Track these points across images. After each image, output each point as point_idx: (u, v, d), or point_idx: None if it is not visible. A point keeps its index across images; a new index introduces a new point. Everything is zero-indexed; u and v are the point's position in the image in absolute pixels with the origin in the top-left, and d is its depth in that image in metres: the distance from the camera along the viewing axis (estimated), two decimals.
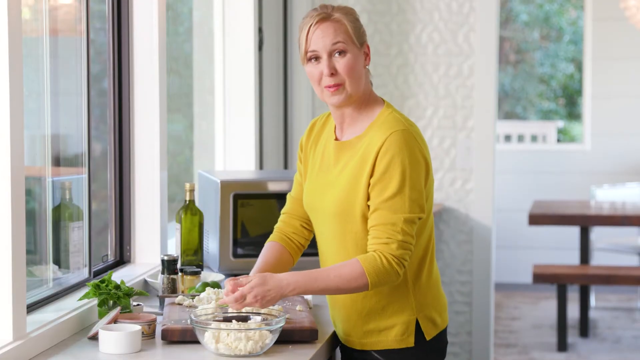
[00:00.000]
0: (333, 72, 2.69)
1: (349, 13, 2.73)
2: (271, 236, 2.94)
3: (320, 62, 2.70)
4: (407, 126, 2.69)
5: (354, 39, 2.70)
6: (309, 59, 2.72)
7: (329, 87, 2.70)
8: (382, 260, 2.62)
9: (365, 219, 2.69)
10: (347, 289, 2.64)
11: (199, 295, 3.00)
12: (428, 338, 2.76)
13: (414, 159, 2.65)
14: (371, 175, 2.67)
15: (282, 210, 2.98)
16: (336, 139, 2.80)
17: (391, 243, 2.62)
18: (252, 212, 3.59)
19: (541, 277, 6.64)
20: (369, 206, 2.68)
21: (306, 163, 2.89)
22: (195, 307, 2.92)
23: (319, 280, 2.64)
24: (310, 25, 2.70)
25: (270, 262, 2.84)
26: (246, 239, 3.59)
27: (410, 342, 2.74)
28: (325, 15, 2.70)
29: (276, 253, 2.88)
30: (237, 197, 3.57)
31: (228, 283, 2.68)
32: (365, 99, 2.77)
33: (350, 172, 2.71)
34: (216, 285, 3.17)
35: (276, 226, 2.96)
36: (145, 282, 3.42)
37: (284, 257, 2.89)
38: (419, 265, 2.76)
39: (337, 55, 2.69)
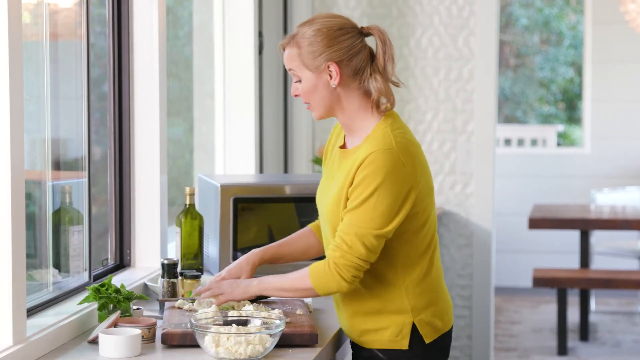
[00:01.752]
0: (296, 94, 2.83)
1: (312, 35, 2.75)
2: (310, 224, 3.11)
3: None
4: (393, 145, 2.69)
5: (307, 64, 2.76)
6: None
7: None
8: (325, 266, 2.75)
9: None
10: (296, 290, 2.80)
11: (198, 298, 3.00)
12: (428, 341, 2.79)
13: (390, 179, 2.67)
14: (350, 187, 2.74)
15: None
16: (342, 146, 2.88)
17: (336, 251, 2.73)
18: (252, 216, 3.59)
19: (541, 281, 6.64)
20: None
21: (326, 166, 2.99)
22: (196, 310, 2.92)
23: (278, 282, 2.83)
24: (280, 47, 2.84)
25: (292, 247, 3.03)
26: (246, 243, 3.59)
27: (404, 344, 2.78)
28: (289, 38, 2.80)
29: (298, 237, 3.06)
30: (237, 201, 3.57)
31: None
32: (356, 111, 2.79)
33: (340, 181, 2.79)
34: None
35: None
36: (145, 286, 3.41)
37: (310, 239, 3.05)
38: (415, 269, 2.78)
39: (295, 81, 2.82)
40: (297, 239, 3.05)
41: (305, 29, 2.76)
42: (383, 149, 2.68)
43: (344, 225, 2.72)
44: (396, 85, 2.81)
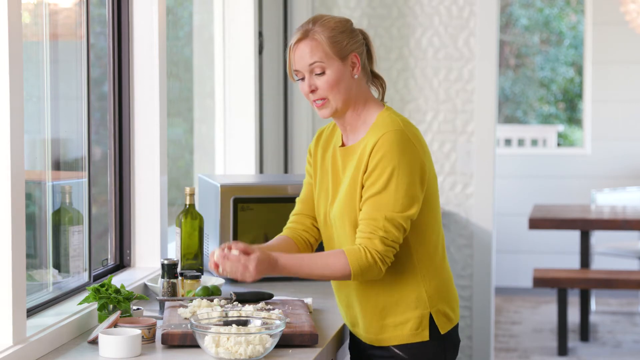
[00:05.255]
0: (314, 90, 2.79)
1: (330, 27, 2.78)
2: (282, 232, 3.00)
3: (305, 80, 2.80)
4: (402, 127, 2.77)
5: (333, 54, 2.77)
6: (297, 77, 2.83)
7: (314, 102, 2.81)
8: (366, 255, 2.71)
9: None
10: (330, 275, 2.75)
11: (197, 298, 3.00)
12: (443, 332, 2.84)
13: (405, 159, 2.73)
14: (365, 172, 2.76)
15: (292, 213, 3.03)
16: (342, 145, 2.89)
17: (374, 238, 2.72)
18: (252, 216, 3.59)
19: (541, 281, 6.64)
20: None
21: (315, 167, 2.96)
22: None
23: (306, 262, 2.75)
24: (291, 45, 2.80)
25: (270, 246, 2.90)
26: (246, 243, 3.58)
27: (425, 336, 2.82)
28: (303, 34, 2.78)
29: (280, 241, 2.95)
30: (237, 201, 3.57)
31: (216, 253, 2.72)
32: (362, 105, 2.85)
33: (351, 174, 2.80)
34: (216, 289, 3.17)
35: (285, 227, 3.02)
36: (145, 286, 3.41)
37: (289, 245, 2.95)
38: (430, 260, 2.83)
39: (317, 74, 2.78)
40: (283, 245, 2.94)
41: (320, 24, 2.78)
42: (393, 129, 2.74)
43: (370, 211, 2.72)
44: (382, 78, 2.91)
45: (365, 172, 2.75)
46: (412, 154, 2.74)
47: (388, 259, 2.73)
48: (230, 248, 2.72)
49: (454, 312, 2.89)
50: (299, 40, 2.78)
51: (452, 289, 2.91)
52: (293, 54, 2.79)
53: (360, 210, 2.76)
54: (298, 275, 2.75)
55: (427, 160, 2.78)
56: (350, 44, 2.79)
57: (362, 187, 2.76)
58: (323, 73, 2.77)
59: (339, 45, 2.77)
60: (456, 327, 2.90)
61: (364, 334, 2.90)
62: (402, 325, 2.83)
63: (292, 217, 3.02)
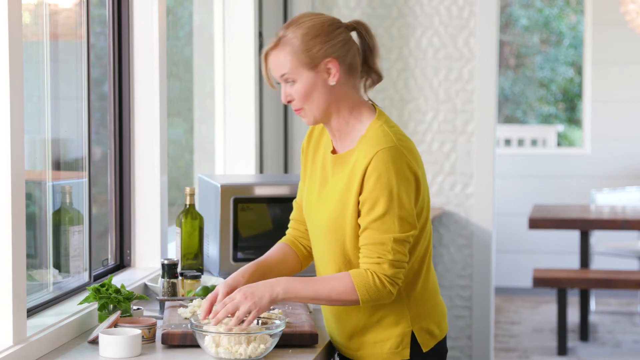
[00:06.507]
0: (289, 100, 2.68)
1: (302, 34, 2.64)
2: (282, 238, 2.94)
3: (282, 88, 2.70)
4: (395, 142, 2.63)
5: (300, 65, 2.64)
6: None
7: (295, 110, 2.71)
8: (374, 279, 2.61)
9: (355, 236, 2.67)
10: (337, 301, 2.64)
11: (197, 298, 3.00)
12: (425, 350, 2.74)
13: (402, 176, 2.61)
14: (360, 193, 2.64)
15: (290, 217, 2.96)
16: (333, 151, 2.77)
17: (383, 263, 2.61)
18: (252, 216, 3.59)
19: (541, 281, 6.64)
20: (359, 224, 2.65)
21: (306, 166, 2.86)
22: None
23: (310, 288, 2.63)
24: (264, 53, 2.69)
25: (270, 259, 2.84)
26: (246, 243, 3.59)
27: (405, 354, 2.72)
28: (275, 42, 2.66)
29: (280, 252, 2.87)
30: (237, 201, 3.57)
31: (206, 301, 2.67)
32: (348, 111, 2.71)
33: (341, 187, 2.69)
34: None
35: (287, 232, 2.95)
36: (146, 286, 3.42)
37: (289, 257, 2.87)
38: (414, 277, 2.73)
39: (289, 83, 2.67)
40: (283, 257, 2.87)
41: (293, 29, 2.64)
42: (387, 147, 2.61)
43: (375, 235, 2.61)
44: (380, 76, 2.75)
45: (360, 191, 2.63)
46: (408, 171, 2.62)
47: (398, 280, 2.62)
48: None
49: (440, 327, 2.77)
50: (271, 49, 2.67)
51: (438, 303, 2.79)
52: (267, 62, 2.68)
53: (361, 234, 2.64)
54: (304, 298, 2.63)
55: (421, 173, 2.67)
56: (323, 50, 2.63)
57: (358, 211, 2.64)
58: (293, 83, 2.66)
59: (308, 54, 2.63)
60: (441, 342, 2.79)
61: (342, 348, 2.82)
62: (382, 343, 2.72)
63: (290, 222, 2.95)
